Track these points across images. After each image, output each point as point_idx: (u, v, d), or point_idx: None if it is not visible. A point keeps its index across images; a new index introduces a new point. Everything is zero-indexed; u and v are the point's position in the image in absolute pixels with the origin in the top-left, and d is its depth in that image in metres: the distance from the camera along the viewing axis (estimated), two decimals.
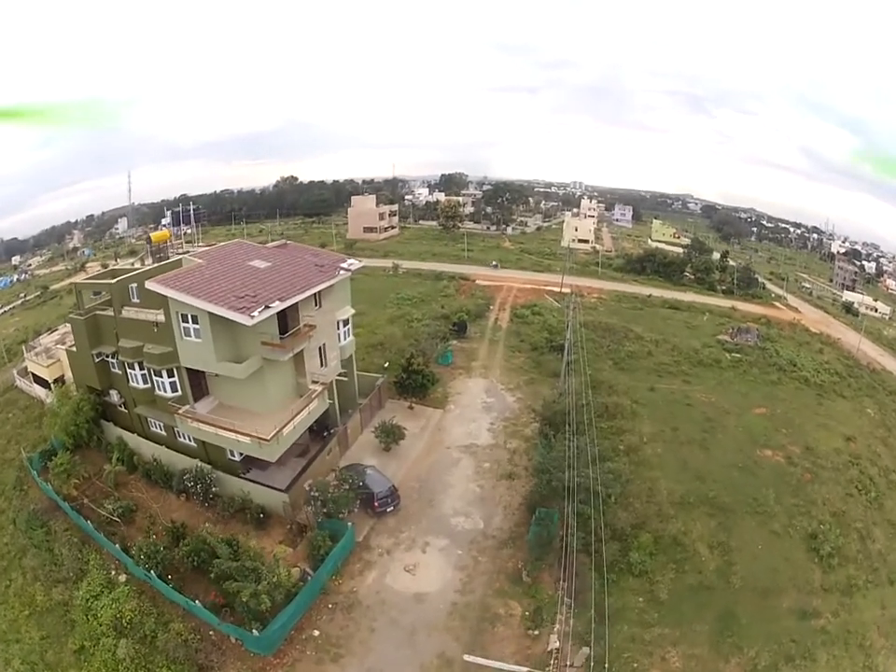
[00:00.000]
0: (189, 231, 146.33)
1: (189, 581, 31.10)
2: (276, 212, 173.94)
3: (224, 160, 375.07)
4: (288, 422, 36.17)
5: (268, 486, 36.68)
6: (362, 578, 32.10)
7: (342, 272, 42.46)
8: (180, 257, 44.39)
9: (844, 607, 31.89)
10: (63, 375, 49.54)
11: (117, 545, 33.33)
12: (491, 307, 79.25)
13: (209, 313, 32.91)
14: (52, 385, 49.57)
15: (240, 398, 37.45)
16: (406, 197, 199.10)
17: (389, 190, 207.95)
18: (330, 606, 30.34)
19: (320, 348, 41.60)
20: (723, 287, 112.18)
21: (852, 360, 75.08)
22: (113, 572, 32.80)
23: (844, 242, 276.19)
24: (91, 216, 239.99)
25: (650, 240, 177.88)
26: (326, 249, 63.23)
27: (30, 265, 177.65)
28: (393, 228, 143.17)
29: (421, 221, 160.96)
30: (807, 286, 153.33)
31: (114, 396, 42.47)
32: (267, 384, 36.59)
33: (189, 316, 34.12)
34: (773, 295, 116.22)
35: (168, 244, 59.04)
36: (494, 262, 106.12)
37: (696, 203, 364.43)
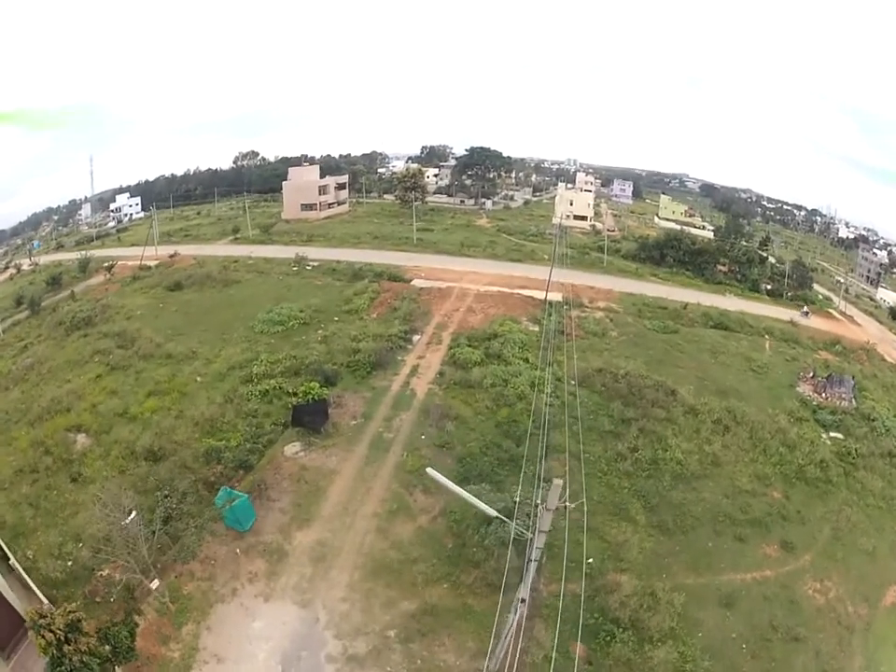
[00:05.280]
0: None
1: None
2: (215, 191, 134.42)
3: (221, 138, 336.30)
4: None
5: None
6: None
7: None
8: None
9: None
10: None
11: None
12: (417, 337, 40.01)
13: None
14: None
15: None
16: (379, 170, 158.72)
17: (366, 164, 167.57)
18: None
19: None
20: (768, 287, 73.53)
21: None
22: None
23: (847, 226, 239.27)
24: (74, 200, 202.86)
25: (657, 218, 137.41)
26: None
27: None
28: (341, 204, 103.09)
29: (386, 195, 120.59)
30: (841, 280, 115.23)
31: None
32: None
33: None
34: (820, 297, 78.73)
35: None
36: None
37: (694, 182, 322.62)
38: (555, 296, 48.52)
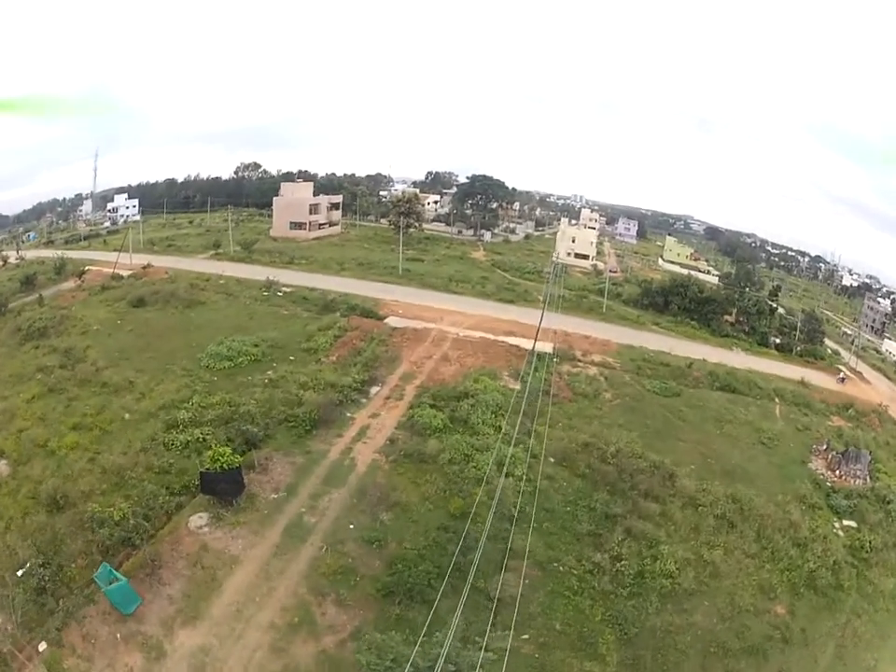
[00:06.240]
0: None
1: None
2: (209, 201, 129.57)
3: (229, 149, 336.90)
4: None
5: None
6: None
7: None
8: None
9: None
10: None
11: None
12: (375, 389, 34.38)
13: None
14: None
15: None
16: (381, 193, 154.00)
17: (369, 186, 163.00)
18: None
19: None
20: (777, 341, 67.86)
21: None
22: None
23: (851, 274, 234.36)
24: (80, 194, 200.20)
25: (661, 260, 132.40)
26: None
27: None
28: (333, 225, 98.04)
29: (383, 220, 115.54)
30: (848, 332, 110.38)
31: None
32: None
33: None
34: (829, 351, 73.05)
35: None
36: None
37: (699, 224, 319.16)
38: (545, 346, 42.97)
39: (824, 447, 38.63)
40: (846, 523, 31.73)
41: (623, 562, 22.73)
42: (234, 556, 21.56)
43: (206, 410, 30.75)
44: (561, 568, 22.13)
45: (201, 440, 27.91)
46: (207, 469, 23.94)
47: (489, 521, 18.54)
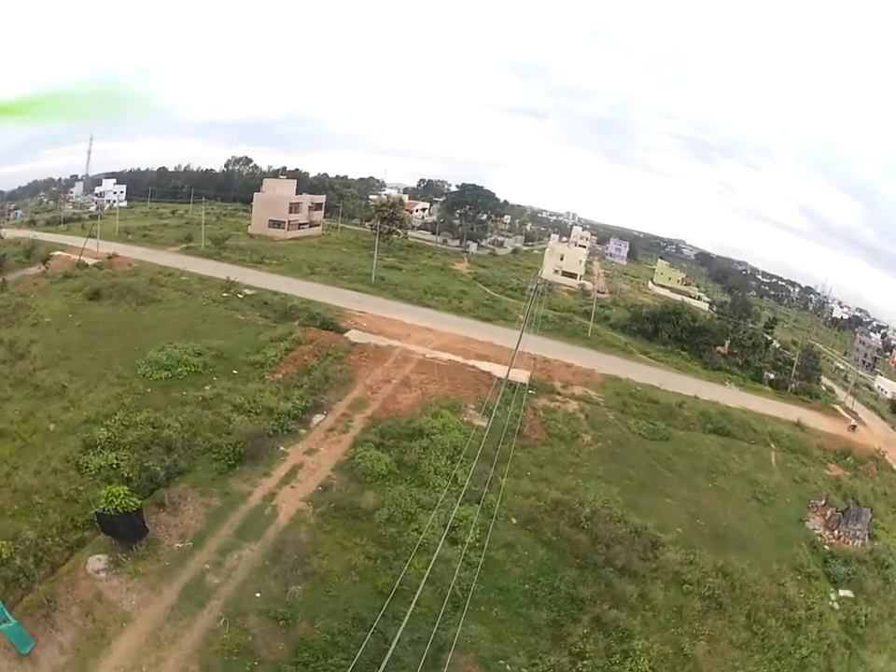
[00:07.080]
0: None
1: None
2: (192, 192, 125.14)
3: (226, 143, 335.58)
4: None
5: None
6: None
7: None
8: None
9: None
10: None
11: None
12: (319, 417, 29.78)
13: None
14: None
15: None
16: (371, 197, 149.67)
17: (360, 189, 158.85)
18: None
19: None
20: (771, 377, 63.82)
21: None
22: None
23: (841, 306, 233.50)
24: (75, 175, 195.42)
25: (651, 283, 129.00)
26: None
27: None
28: (314, 225, 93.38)
29: (367, 224, 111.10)
30: (841, 367, 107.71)
31: None
32: None
33: None
34: (823, 388, 69.11)
35: None
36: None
37: (690, 250, 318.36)
38: (521, 374, 38.56)
39: (823, 503, 35.92)
40: (842, 593, 28.93)
41: (585, 661, 18.27)
42: (126, 613, 17.93)
43: (128, 429, 26.56)
44: (508, 667, 17.69)
45: (114, 465, 23.89)
46: (103, 509, 19.73)
47: (413, 603, 14.05)
